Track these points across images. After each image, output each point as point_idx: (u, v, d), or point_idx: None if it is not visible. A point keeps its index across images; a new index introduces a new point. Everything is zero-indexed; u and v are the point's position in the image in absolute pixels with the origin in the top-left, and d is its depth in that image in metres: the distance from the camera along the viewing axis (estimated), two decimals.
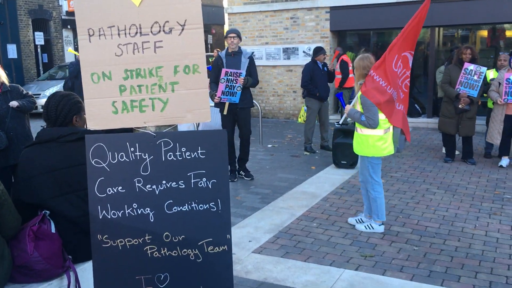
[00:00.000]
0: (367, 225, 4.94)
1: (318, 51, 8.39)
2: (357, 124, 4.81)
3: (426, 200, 5.82)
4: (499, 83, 7.00)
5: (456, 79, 7.14)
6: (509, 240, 4.62)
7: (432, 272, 3.98)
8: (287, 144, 9.45)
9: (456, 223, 5.07)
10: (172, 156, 2.30)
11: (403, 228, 4.93)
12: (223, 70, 6.28)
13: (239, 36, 6.49)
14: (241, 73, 6.30)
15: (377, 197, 4.83)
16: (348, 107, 4.82)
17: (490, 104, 7.71)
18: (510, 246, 4.48)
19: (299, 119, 11.96)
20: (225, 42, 6.60)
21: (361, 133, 4.76)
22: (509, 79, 6.81)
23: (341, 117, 10.61)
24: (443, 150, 8.10)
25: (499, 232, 4.81)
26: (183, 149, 2.30)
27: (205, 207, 2.31)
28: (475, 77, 6.98)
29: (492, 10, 10.00)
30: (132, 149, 2.32)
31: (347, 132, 7.33)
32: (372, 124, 4.60)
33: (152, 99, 2.30)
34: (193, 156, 2.29)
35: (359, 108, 4.71)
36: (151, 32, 2.27)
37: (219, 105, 6.53)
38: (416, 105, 11.28)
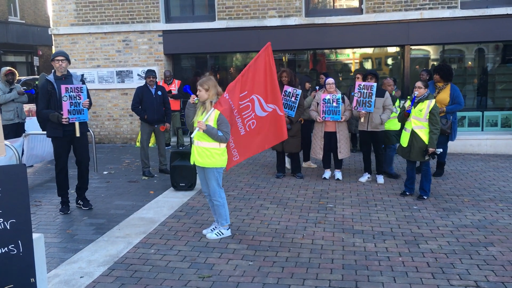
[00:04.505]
0: (217, 232, 5.33)
1: (146, 74, 8.34)
2: (200, 138, 5.09)
3: (261, 216, 6.09)
4: (317, 103, 7.71)
5: None
6: (332, 245, 5.06)
7: (265, 285, 4.15)
8: (124, 169, 9.11)
9: (287, 235, 5.39)
10: None
11: (239, 245, 5.07)
12: (63, 87, 5.91)
13: (67, 59, 6.13)
14: (82, 87, 6.04)
15: (224, 203, 5.32)
16: (202, 123, 5.00)
17: None
18: (332, 251, 4.90)
19: (137, 143, 11.66)
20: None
21: (209, 146, 5.09)
22: (325, 99, 7.55)
23: (177, 136, 10.70)
24: None
25: (323, 239, 5.24)
26: None
27: (3, 251, 2.05)
28: (293, 99, 7.60)
29: (313, 38, 11.07)
30: None
31: (184, 154, 7.35)
32: (228, 138, 5.12)
33: None
34: None
35: (212, 124, 5.04)
36: None
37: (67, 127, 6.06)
38: None
